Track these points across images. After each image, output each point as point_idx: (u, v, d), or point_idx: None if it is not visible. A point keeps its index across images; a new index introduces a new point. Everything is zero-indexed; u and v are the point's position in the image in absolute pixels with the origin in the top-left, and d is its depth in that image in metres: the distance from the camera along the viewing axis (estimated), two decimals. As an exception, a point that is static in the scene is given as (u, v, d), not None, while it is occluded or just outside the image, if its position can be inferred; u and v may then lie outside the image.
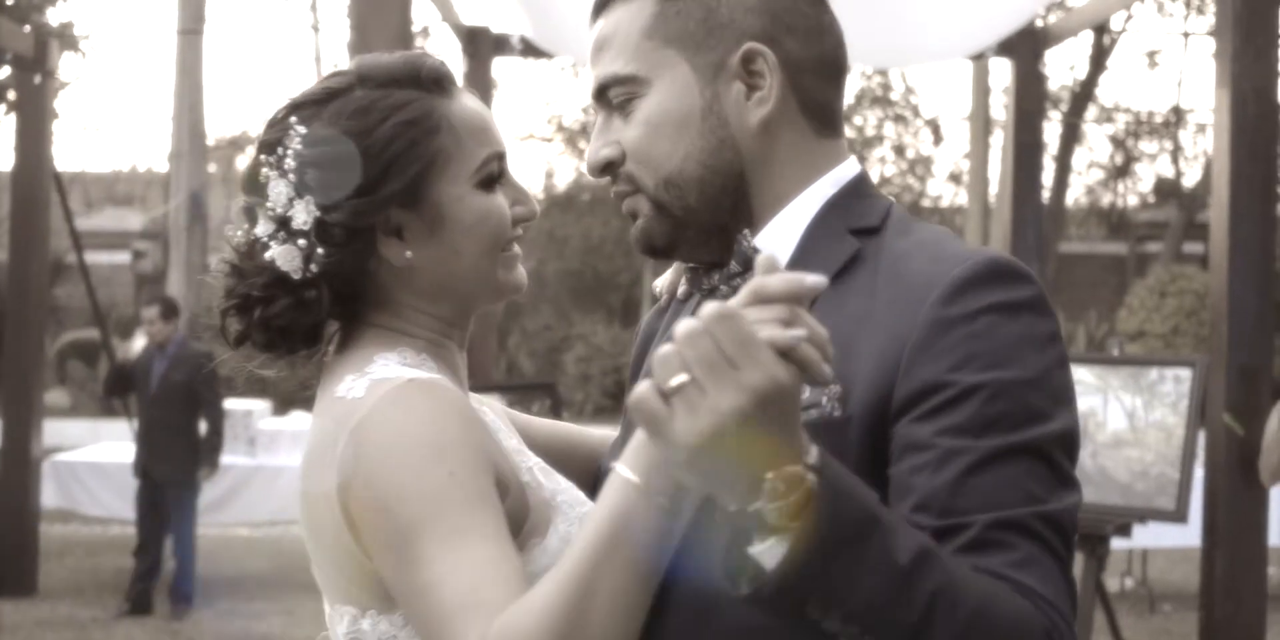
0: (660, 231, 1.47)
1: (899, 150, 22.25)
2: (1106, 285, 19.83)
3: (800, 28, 1.43)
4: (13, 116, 9.53)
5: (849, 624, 1.15)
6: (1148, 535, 7.02)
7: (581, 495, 1.58)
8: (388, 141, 1.52)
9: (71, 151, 37.02)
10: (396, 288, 1.58)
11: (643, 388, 1.13)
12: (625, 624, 1.29)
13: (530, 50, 8.64)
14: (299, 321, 1.56)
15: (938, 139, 22.26)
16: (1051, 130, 21.72)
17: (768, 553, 1.14)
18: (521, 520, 1.48)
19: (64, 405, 17.90)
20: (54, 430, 12.58)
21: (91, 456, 9.02)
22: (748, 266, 1.43)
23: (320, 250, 1.52)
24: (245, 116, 38.22)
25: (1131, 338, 15.76)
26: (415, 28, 20.50)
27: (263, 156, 1.55)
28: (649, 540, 1.27)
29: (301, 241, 1.53)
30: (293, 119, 1.54)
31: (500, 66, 9.36)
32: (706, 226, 1.46)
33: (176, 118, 19.81)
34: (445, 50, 21.14)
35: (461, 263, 1.56)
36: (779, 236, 1.44)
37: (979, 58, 8.55)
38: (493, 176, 1.57)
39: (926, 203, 22.11)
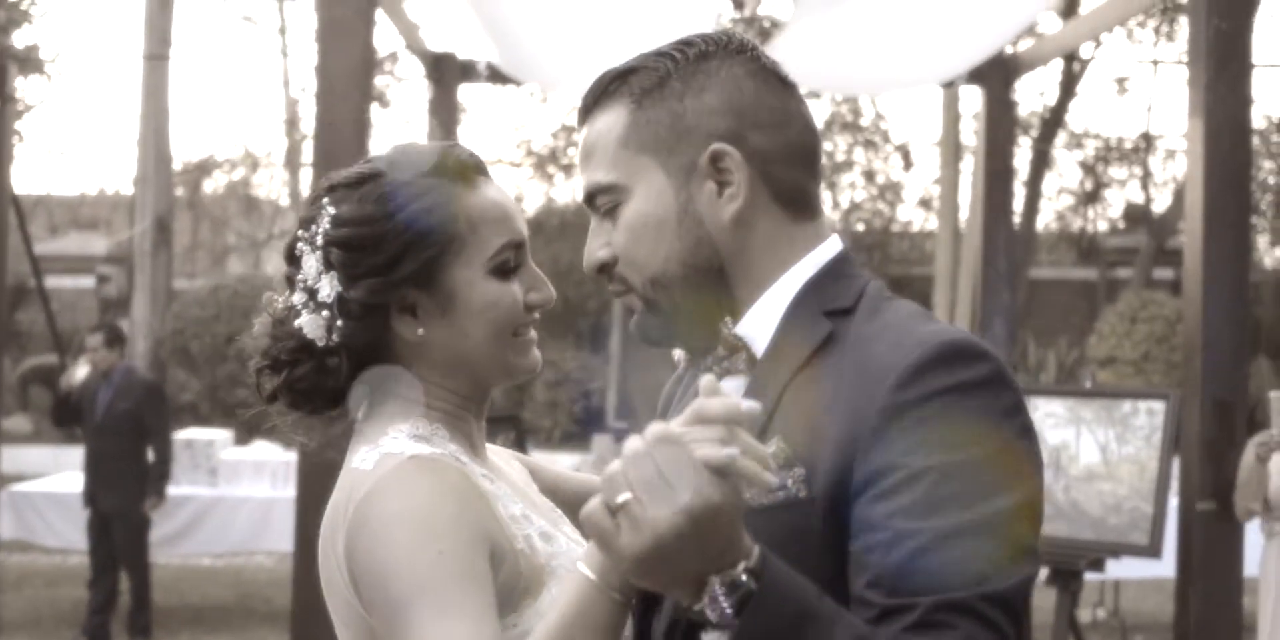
0: (654, 325, 1.57)
1: (869, 176, 22.23)
2: (1077, 311, 19.83)
3: (765, 121, 1.50)
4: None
5: None
6: (1120, 566, 6.97)
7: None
8: (405, 227, 1.65)
9: (36, 175, 36.78)
10: (413, 361, 1.71)
11: (593, 503, 1.25)
12: None
13: (497, 76, 8.60)
14: (321, 385, 1.71)
15: (908, 164, 22.26)
16: (1022, 156, 21.81)
17: None
18: (514, 585, 1.59)
19: (26, 431, 17.70)
20: (16, 457, 12.44)
21: (48, 487, 8.86)
22: (733, 351, 1.51)
23: (339, 322, 1.68)
24: (211, 141, 38.13)
25: (1102, 364, 15.72)
26: (383, 53, 20.45)
27: (300, 231, 1.70)
28: (603, 630, 1.38)
29: (325, 313, 1.68)
30: (326, 199, 1.69)
31: (469, 91, 9.29)
32: (695, 318, 1.54)
33: (142, 142, 19.68)
34: (412, 76, 21.05)
35: (470, 344, 1.69)
36: (759, 321, 1.51)
37: (950, 85, 8.50)
38: (506, 264, 1.69)
39: (896, 227, 22.10)
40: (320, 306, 1.68)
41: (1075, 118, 22.06)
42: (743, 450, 1.24)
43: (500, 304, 1.68)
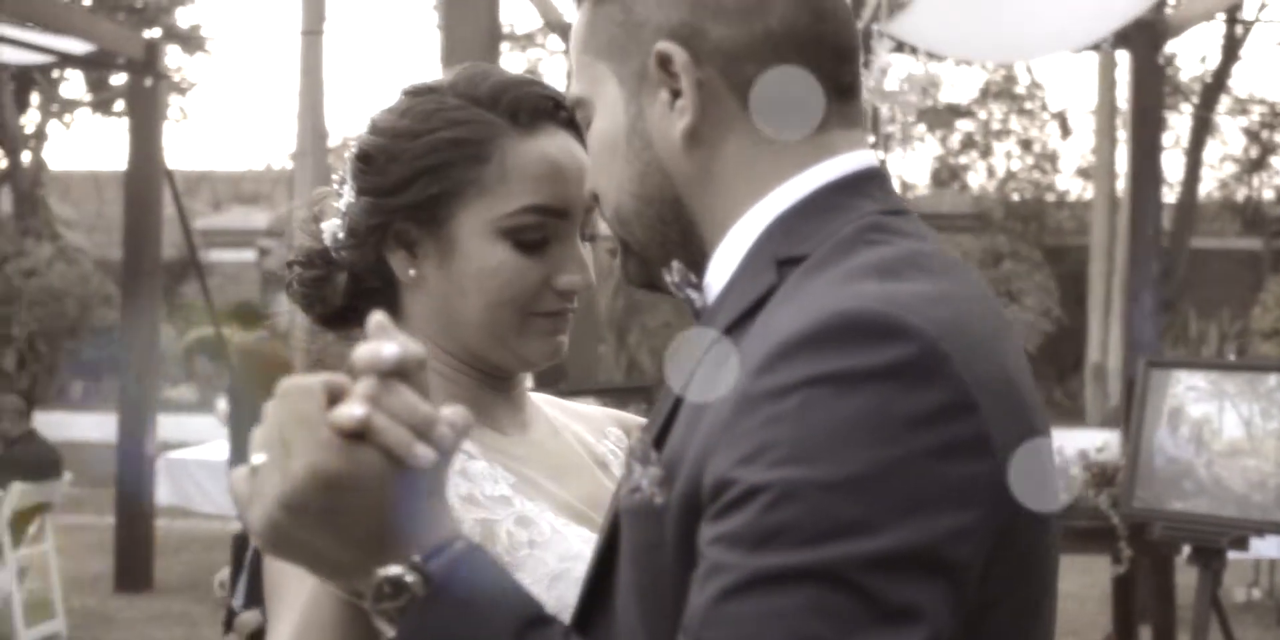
0: (630, 267, 1.27)
1: (1025, 144, 21.83)
2: (1241, 282, 19.24)
3: (729, 6, 1.15)
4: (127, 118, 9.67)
5: None
6: (1275, 545, 6.78)
7: (570, 549, 1.44)
8: (425, 151, 1.45)
9: (200, 151, 37.79)
10: (411, 305, 1.50)
11: (240, 468, 1.00)
12: None
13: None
14: (319, 294, 1.52)
15: (1065, 132, 21.80)
16: (1183, 123, 21.21)
17: None
18: None
19: (192, 400, 18.21)
20: (181, 425, 12.80)
21: (203, 454, 9.13)
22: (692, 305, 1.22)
23: (341, 235, 1.49)
24: (368, 115, 38.70)
25: (1266, 336, 15.27)
26: (533, 27, 20.57)
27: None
28: (331, 627, 1.24)
29: (337, 221, 1.50)
30: (390, 104, 1.52)
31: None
32: (664, 260, 1.22)
33: (300, 117, 20.07)
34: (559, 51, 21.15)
35: (465, 305, 1.47)
36: (719, 269, 1.18)
37: (1095, 49, 8.29)
38: (524, 231, 1.45)
39: (1053, 197, 21.65)
40: (339, 213, 1.50)
41: (1239, 82, 21.36)
42: (388, 410, 0.96)
43: (499, 274, 1.45)
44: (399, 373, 0.97)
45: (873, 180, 1.17)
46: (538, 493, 1.49)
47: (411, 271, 1.47)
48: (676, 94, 1.16)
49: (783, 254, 1.12)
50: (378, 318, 1.00)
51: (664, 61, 1.15)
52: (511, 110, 1.46)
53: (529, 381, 1.66)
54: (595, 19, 1.21)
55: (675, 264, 1.20)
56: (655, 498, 1.07)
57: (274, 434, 0.97)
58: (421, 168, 1.44)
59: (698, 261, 1.20)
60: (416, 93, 1.50)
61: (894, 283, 1.03)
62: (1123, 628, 6.62)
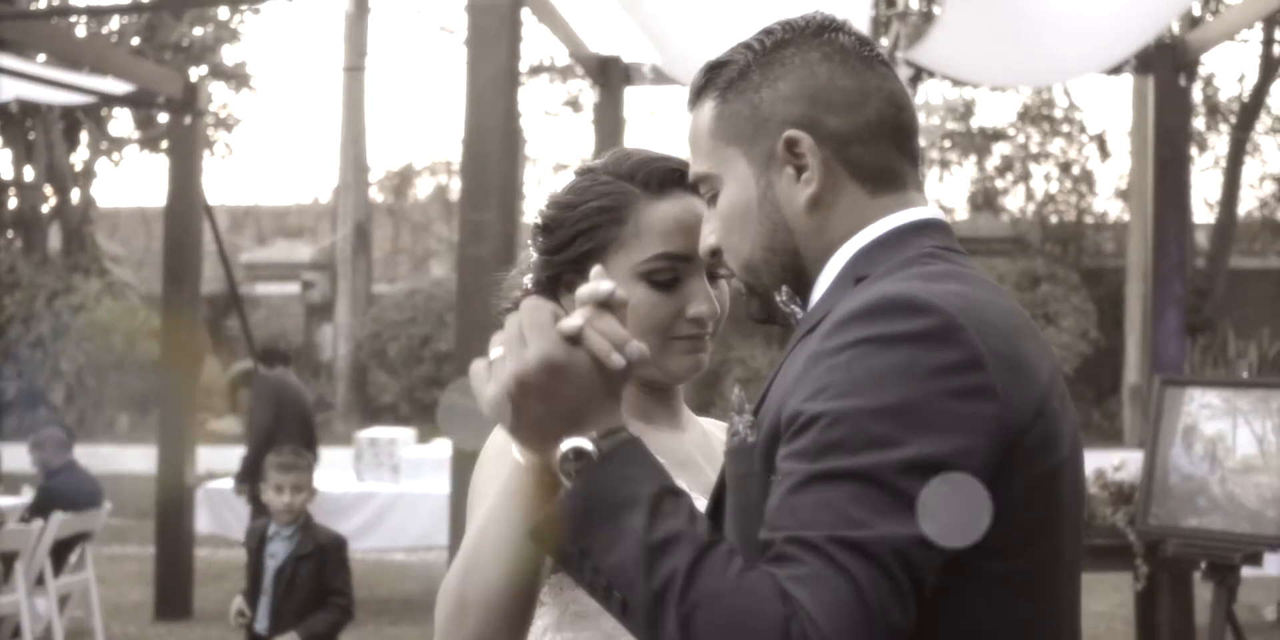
0: (755, 306, 1.63)
1: (1064, 166, 21.82)
2: (1280, 301, 19.18)
3: (839, 103, 1.54)
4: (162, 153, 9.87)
5: (600, 577, 1.32)
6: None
7: None
8: (581, 217, 1.86)
9: (245, 186, 38.23)
10: None
11: (479, 362, 1.40)
12: (502, 564, 1.52)
13: (661, 78, 8.72)
14: None
15: (1104, 155, 21.78)
16: (1222, 143, 21.16)
17: (559, 500, 1.37)
18: None
19: (236, 432, 18.44)
20: (225, 456, 12.98)
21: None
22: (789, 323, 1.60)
23: (529, 286, 1.91)
24: (408, 149, 39.06)
25: (1305, 357, 15.22)
26: (564, 63, 20.75)
27: None
28: (529, 505, 1.48)
29: (528, 276, 1.93)
30: (565, 182, 1.93)
31: (653, 91, 9.48)
32: (779, 292, 1.61)
33: (342, 151, 20.34)
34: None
35: None
36: (818, 293, 1.56)
37: (1116, 73, 8.36)
38: (657, 274, 1.84)
39: (1091, 219, 21.61)
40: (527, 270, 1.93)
41: (1279, 101, 21.28)
42: (597, 327, 1.36)
43: (639, 308, 1.81)
44: (608, 305, 1.38)
45: (935, 226, 1.56)
46: (683, 474, 1.80)
47: None
48: (800, 169, 1.54)
49: (860, 273, 1.50)
50: (598, 268, 1.46)
51: (791, 145, 1.54)
52: (645, 180, 1.86)
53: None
54: (724, 113, 1.59)
55: (785, 288, 1.58)
56: (748, 438, 1.46)
57: (514, 333, 1.36)
58: (577, 231, 1.86)
59: (805, 290, 1.58)
60: (579, 172, 1.92)
61: (930, 282, 1.42)
62: (1147, 645, 6.65)
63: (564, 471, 1.36)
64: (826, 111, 1.54)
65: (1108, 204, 22.17)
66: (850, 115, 1.54)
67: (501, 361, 1.37)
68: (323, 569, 5.23)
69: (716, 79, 1.60)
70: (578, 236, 1.85)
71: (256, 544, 5.27)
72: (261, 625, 5.20)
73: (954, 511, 1.30)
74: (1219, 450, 5.69)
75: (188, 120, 9.20)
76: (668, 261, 1.83)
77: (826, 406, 1.33)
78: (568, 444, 1.36)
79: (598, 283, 1.40)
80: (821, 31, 1.58)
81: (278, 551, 5.22)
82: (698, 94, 1.63)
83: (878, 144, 1.55)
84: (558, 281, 1.89)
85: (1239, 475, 5.63)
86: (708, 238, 1.65)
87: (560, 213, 1.87)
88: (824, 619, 1.24)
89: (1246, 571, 5.31)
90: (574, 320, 1.36)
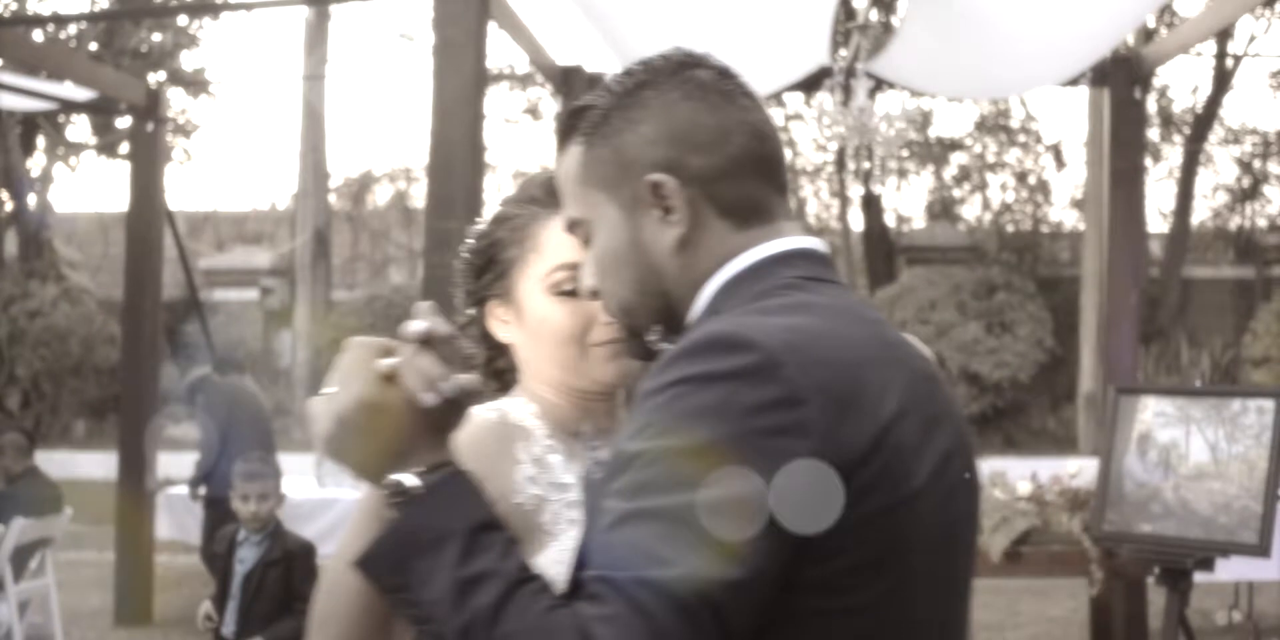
0: (633, 348, 1.67)
1: (1020, 176, 22.02)
2: (1233, 311, 19.40)
3: (702, 141, 1.54)
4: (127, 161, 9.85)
5: (417, 610, 1.35)
6: (1256, 569, 6.89)
7: None
8: (488, 246, 1.93)
9: (204, 192, 38.10)
10: (522, 363, 1.94)
11: (314, 399, 1.45)
12: (358, 582, 1.49)
13: (623, 88, 8.75)
14: (475, 361, 1.96)
15: (1060, 165, 21.99)
16: (1176, 154, 21.40)
17: (380, 534, 1.41)
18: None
19: (196, 438, 18.35)
20: (183, 462, 12.94)
21: (203, 490, 9.26)
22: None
23: (466, 320, 1.97)
24: (371, 156, 39.00)
25: (1257, 364, 15.43)
26: (524, 71, 20.79)
27: None
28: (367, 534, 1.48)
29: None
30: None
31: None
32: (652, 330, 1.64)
33: (302, 158, 20.31)
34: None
35: (537, 351, 1.90)
36: (689, 329, 1.54)
37: (1073, 85, 8.48)
38: (561, 284, 1.86)
39: (1047, 229, 21.82)
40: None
41: (1231, 113, 21.58)
42: (411, 364, 1.41)
43: (550, 320, 1.86)
44: (426, 342, 1.42)
45: (801, 255, 1.55)
46: None
47: (503, 335, 1.94)
48: (667, 211, 1.54)
49: (718, 308, 1.52)
50: (423, 304, 1.47)
51: (655, 188, 1.53)
52: (544, 198, 1.89)
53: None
54: (589, 158, 1.58)
55: (656, 327, 1.60)
56: (595, 474, 1.48)
57: (340, 372, 1.42)
58: (488, 258, 1.92)
59: (679, 329, 1.57)
60: (500, 204, 1.98)
61: (766, 317, 1.43)
62: (1101, 650, 6.74)
63: (389, 504, 1.40)
64: (689, 151, 1.53)
65: (1063, 213, 22.43)
66: (713, 153, 1.54)
67: (330, 397, 1.42)
68: (291, 575, 5.25)
69: (579, 123, 1.59)
70: (488, 263, 1.91)
71: (226, 549, 5.30)
72: (229, 630, 5.22)
73: (805, 498, 1.32)
74: (1172, 457, 5.78)
75: (150, 127, 9.19)
76: (568, 270, 1.85)
77: (644, 445, 1.33)
78: (391, 479, 1.40)
79: (414, 322, 1.44)
80: (680, 69, 1.57)
81: (247, 557, 5.26)
82: (563, 139, 1.61)
83: (742, 178, 1.55)
84: (483, 311, 1.94)
85: (1192, 482, 5.72)
86: (586, 281, 1.66)
87: (475, 244, 1.94)
88: None
89: (1199, 577, 5.40)
90: (389, 360, 1.42)
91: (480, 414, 1.84)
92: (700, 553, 1.27)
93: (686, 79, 1.57)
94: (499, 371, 1.99)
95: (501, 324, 1.93)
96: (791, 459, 1.31)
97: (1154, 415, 5.84)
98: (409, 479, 1.40)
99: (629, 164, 1.55)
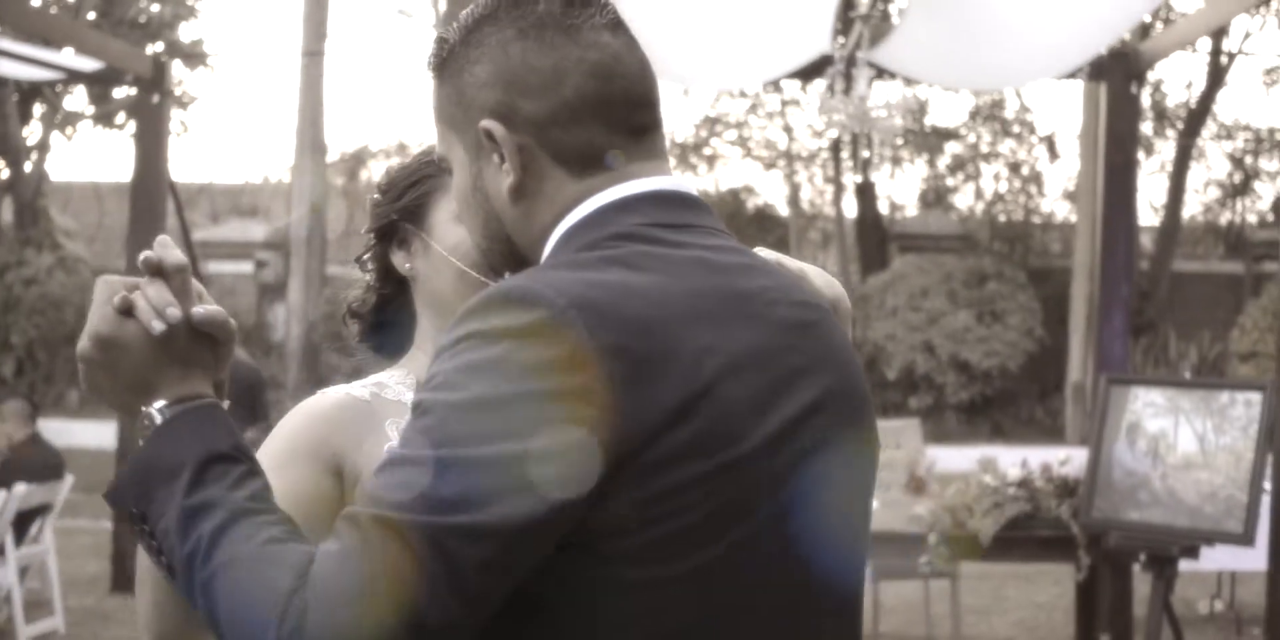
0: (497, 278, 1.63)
1: (1014, 167, 22.12)
2: (1222, 305, 19.53)
3: (534, 85, 1.44)
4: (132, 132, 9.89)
5: (154, 541, 1.35)
6: (1238, 559, 7.01)
7: None
8: (411, 172, 1.93)
9: (199, 164, 38.13)
10: (419, 301, 1.94)
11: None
12: None
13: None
14: (363, 309, 1.98)
15: (1053, 156, 22.10)
16: (1169, 149, 21.53)
17: (125, 465, 1.41)
18: None
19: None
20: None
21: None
22: None
23: (365, 257, 1.98)
24: (368, 131, 38.99)
25: (1244, 358, 15.57)
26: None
27: None
28: None
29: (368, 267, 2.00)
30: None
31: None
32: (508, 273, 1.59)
33: (299, 132, 20.32)
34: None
35: (441, 280, 1.89)
36: None
37: (1071, 78, 8.58)
38: None
39: (1039, 219, 21.94)
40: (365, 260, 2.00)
41: (1225, 109, 21.69)
42: (145, 296, 1.40)
43: (462, 247, 1.82)
44: (157, 272, 1.41)
45: (656, 199, 1.46)
46: None
47: (408, 265, 1.91)
48: (503, 159, 1.46)
49: (553, 260, 1.45)
50: (161, 237, 1.46)
51: (488, 134, 1.45)
52: None
53: None
54: (440, 97, 1.52)
55: (509, 273, 1.53)
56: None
57: (90, 312, 1.41)
58: (410, 182, 1.92)
59: None
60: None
61: (570, 271, 1.37)
62: (1085, 635, 6.85)
63: (139, 435, 1.40)
64: (520, 96, 1.44)
65: (1055, 205, 22.52)
66: (545, 97, 1.44)
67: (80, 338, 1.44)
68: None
69: (433, 59, 1.52)
70: (408, 188, 1.90)
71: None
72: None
73: (520, 521, 1.26)
74: (1161, 447, 5.89)
75: (155, 99, 9.24)
76: None
77: (425, 396, 1.31)
78: (141, 411, 1.39)
79: (147, 253, 1.42)
80: (522, 2, 1.46)
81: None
82: (430, 71, 1.54)
83: (578, 124, 1.44)
84: (392, 231, 1.91)
85: (1180, 471, 5.83)
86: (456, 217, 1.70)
87: (398, 171, 1.94)
88: (328, 594, 1.22)
89: (1184, 566, 5.52)
90: (122, 293, 1.40)
91: (350, 390, 1.85)
92: (444, 503, 1.24)
93: (525, 13, 1.46)
94: (384, 324, 1.97)
95: (402, 254, 1.92)
96: (566, 423, 1.26)
97: (1144, 405, 5.94)
98: (153, 411, 1.39)
99: (468, 106, 1.47)
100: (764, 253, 1.58)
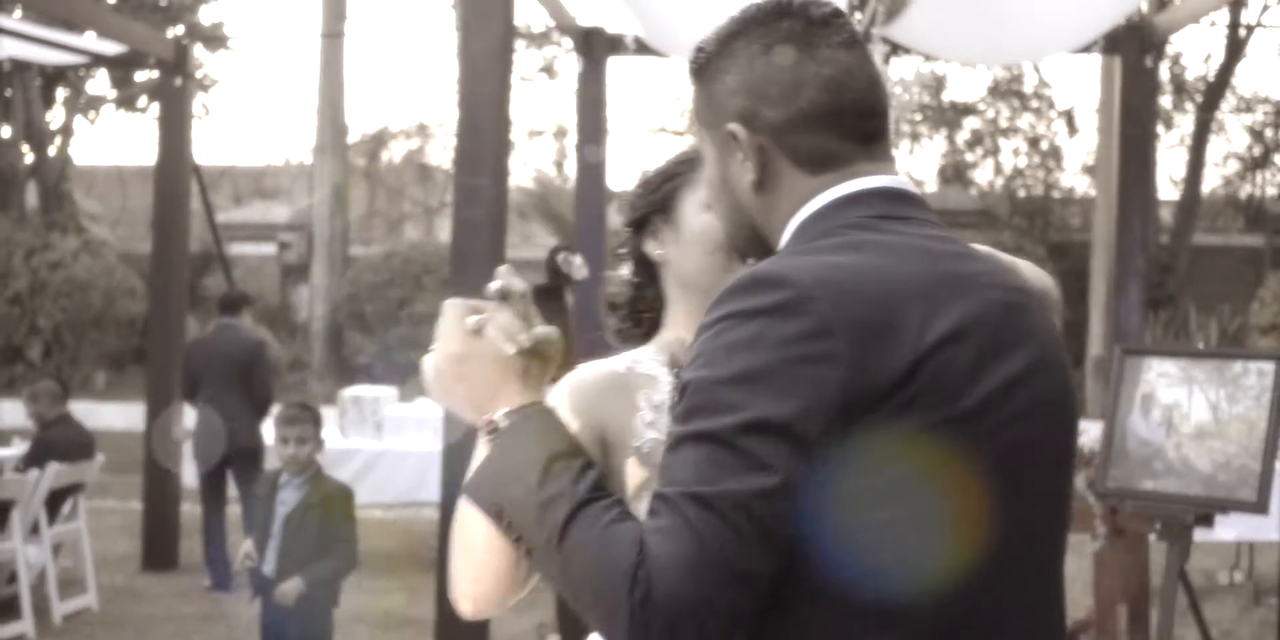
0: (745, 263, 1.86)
1: (1033, 142, 22.09)
2: (1241, 278, 19.49)
3: (775, 95, 1.67)
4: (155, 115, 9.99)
5: (513, 529, 1.58)
6: (1258, 529, 7.06)
7: None
8: (665, 170, 2.20)
9: (221, 147, 38.23)
10: (667, 286, 2.20)
11: (426, 356, 1.71)
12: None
13: (644, 49, 8.90)
14: (621, 297, 2.26)
15: (1072, 130, 22.06)
16: (1188, 122, 21.48)
17: (479, 466, 1.66)
18: (620, 477, 2.02)
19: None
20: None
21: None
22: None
23: (626, 244, 2.24)
24: (388, 112, 39.00)
25: (1264, 331, 15.56)
26: (540, 29, 20.88)
27: None
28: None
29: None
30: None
31: (636, 61, 9.65)
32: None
33: (320, 114, 20.41)
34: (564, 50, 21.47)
35: (691, 259, 2.14)
36: None
37: (1085, 52, 8.62)
38: None
39: (1059, 194, 21.90)
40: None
41: (1244, 81, 21.62)
42: (495, 321, 1.67)
43: (708, 232, 2.08)
44: (504, 299, 1.68)
45: (875, 195, 1.67)
46: None
47: (659, 252, 2.18)
48: (745, 157, 1.69)
49: (791, 248, 1.67)
50: (502, 267, 1.72)
51: (733, 135, 1.69)
52: None
53: None
54: (697, 99, 1.77)
55: (752, 258, 1.78)
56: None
57: (440, 331, 1.68)
58: (662, 178, 2.19)
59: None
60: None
61: (809, 257, 1.58)
62: (1103, 605, 6.92)
63: (486, 441, 1.65)
64: (762, 103, 1.66)
65: (1075, 179, 22.48)
66: (783, 106, 1.66)
67: (433, 354, 1.69)
68: (329, 517, 5.44)
69: (693, 65, 1.76)
70: (661, 184, 2.16)
71: (268, 491, 5.49)
72: (268, 568, 5.42)
73: (797, 471, 1.47)
74: (1175, 417, 5.94)
75: (178, 82, 9.34)
76: None
77: (693, 375, 1.51)
78: (485, 418, 1.65)
79: (493, 283, 1.69)
80: (770, 20, 1.69)
81: (288, 499, 5.44)
82: (690, 75, 1.78)
83: (811, 130, 1.66)
84: (645, 224, 2.18)
85: (1194, 441, 5.88)
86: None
87: (653, 172, 2.19)
88: (666, 565, 1.42)
89: (1201, 536, 5.58)
90: (475, 317, 1.66)
91: (609, 365, 2.11)
92: (736, 469, 1.44)
93: (772, 30, 1.68)
94: (639, 312, 2.23)
95: (654, 243, 2.17)
96: (819, 385, 1.46)
97: (1158, 376, 5.99)
98: (499, 418, 1.63)
99: (719, 109, 1.71)
100: (978, 248, 1.78)
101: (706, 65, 1.73)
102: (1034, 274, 1.84)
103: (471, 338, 1.66)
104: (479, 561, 1.83)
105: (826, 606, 1.50)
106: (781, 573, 1.48)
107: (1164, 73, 20.64)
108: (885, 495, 1.49)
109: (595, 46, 9.18)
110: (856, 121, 1.68)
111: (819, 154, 1.67)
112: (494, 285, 1.69)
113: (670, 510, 1.45)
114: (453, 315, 1.68)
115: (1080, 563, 8.73)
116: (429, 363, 1.69)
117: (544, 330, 1.68)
